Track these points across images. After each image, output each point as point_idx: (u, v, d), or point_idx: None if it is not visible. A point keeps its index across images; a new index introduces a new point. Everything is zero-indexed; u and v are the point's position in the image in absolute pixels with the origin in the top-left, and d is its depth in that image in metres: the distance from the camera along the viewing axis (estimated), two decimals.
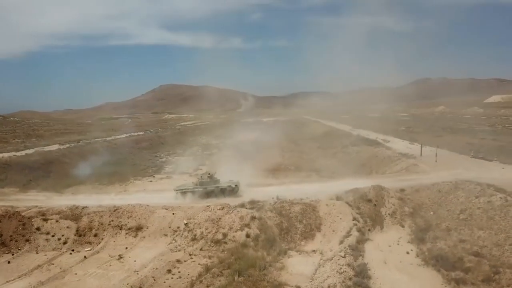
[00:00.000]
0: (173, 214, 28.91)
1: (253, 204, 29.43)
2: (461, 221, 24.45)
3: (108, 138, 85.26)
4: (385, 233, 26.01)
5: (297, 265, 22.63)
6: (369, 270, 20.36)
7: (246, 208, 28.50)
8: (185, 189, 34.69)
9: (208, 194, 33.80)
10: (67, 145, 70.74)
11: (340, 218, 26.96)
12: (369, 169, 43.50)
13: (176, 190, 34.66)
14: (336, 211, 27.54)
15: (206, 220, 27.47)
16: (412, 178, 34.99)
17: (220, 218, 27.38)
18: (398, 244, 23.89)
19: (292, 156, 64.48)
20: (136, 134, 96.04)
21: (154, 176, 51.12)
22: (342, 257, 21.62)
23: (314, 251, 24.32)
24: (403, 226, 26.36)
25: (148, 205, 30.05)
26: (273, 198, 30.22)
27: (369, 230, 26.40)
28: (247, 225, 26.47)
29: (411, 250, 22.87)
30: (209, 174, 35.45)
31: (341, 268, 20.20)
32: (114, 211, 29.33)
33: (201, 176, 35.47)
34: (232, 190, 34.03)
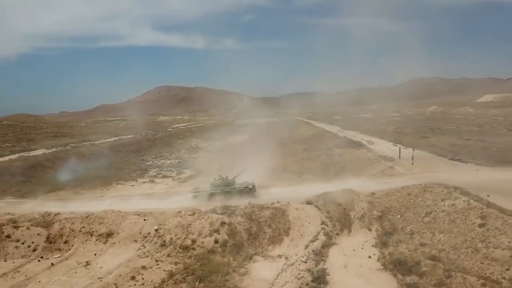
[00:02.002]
0: (144, 220, 29.03)
1: (225, 209, 29.50)
2: (425, 224, 24.70)
3: (96, 142, 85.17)
4: (352, 237, 26.22)
5: (261, 270, 22.80)
6: (328, 275, 20.55)
7: (217, 214, 28.61)
8: (202, 191, 34.52)
9: (225, 196, 33.58)
10: (54, 149, 70.70)
11: (309, 222, 27.18)
12: (349, 171, 43.65)
13: (194, 193, 34.39)
14: (305, 215, 27.76)
15: (176, 226, 27.63)
16: (386, 181, 35.18)
17: (190, 224, 27.56)
18: (362, 248, 24.12)
19: (278, 158, 64.62)
20: (125, 137, 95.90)
21: (137, 180, 51.23)
22: (303, 262, 21.84)
23: (280, 256, 24.50)
24: (370, 230, 26.60)
25: (120, 211, 30.17)
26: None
27: (337, 234, 26.61)
28: (216, 231, 26.67)
29: (374, 254, 23.09)
30: (220, 176, 35.27)
31: (299, 274, 20.42)
32: (86, 217, 29.44)
33: (216, 178, 35.07)
34: (249, 191, 33.91)
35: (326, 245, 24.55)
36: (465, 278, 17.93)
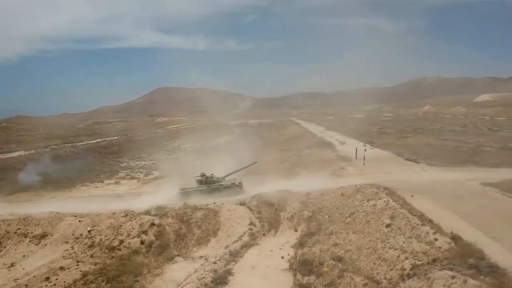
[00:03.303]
0: (79, 221, 29.37)
1: (160, 210, 29.76)
2: (345, 225, 24.77)
3: (78, 144, 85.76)
4: (278, 237, 26.37)
5: (176, 271, 23.06)
6: (232, 275, 20.73)
7: (150, 215, 28.87)
8: (189, 189, 35.16)
9: (212, 192, 34.23)
10: (32, 151, 71.34)
11: (238, 223, 27.38)
12: (308, 171, 43.67)
13: (181, 190, 35.12)
14: (236, 216, 27.97)
15: (108, 227, 27.94)
16: (335, 181, 35.23)
17: (121, 225, 27.86)
18: (280, 249, 24.26)
19: (253, 159, 64.67)
20: (109, 138, 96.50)
21: (103, 182, 51.67)
22: (213, 262, 22.05)
23: (201, 257, 24.74)
24: (296, 230, 26.72)
25: (58, 213, 30.54)
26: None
27: (263, 234, 26.81)
28: (145, 232, 26.97)
29: (288, 254, 23.25)
30: (202, 173, 35.97)
31: (202, 274, 20.63)
32: (24, 219, 29.86)
33: (202, 176, 35.82)
34: (236, 187, 34.72)
35: (246, 246, 24.73)
36: (353, 279, 18.06)
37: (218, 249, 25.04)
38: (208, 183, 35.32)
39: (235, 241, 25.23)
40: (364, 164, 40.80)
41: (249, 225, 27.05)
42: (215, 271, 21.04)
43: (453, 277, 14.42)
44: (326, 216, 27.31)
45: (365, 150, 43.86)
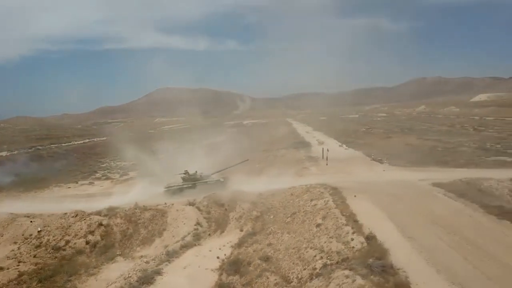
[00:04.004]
0: (31, 222, 29.56)
1: (111, 210, 29.92)
2: (284, 225, 24.84)
3: (64, 144, 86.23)
4: (222, 237, 26.47)
5: (113, 271, 23.20)
6: (160, 275, 20.85)
7: (100, 216, 29.03)
8: (174, 186, 35.65)
9: (196, 189, 34.78)
10: (15, 152, 71.81)
11: (184, 223, 27.52)
12: (275, 172, 43.71)
13: (166, 188, 35.59)
14: (183, 217, 28.11)
15: (58, 228, 28.14)
16: (295, 180, 35.26)
17: (70, 226, 28.06)
18: (220, 249, 24.34)
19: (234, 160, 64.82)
20: (97, 139, 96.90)
21: (77, 182, 51.85)
22: (145, 262, 22.20)
23: (142, 256, 24.84)
24: (242, 231, 26.80)
25: (12, 213, 30.77)
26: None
27: (209, 234, 26.93)
28: (92, 232, 27.15)
29: (224, 255, 23.33)
30: (185, 171, 36.57)
31: (129, 274, 20.76)
32: None
33: (186, 173, 36.41)
34: (221, 184, 35.24)
35: (187, 246, 24.85)
36: (268, 278, 18.14)
37: (161, 249, 25.17)
38: (192, 180, 35.88)
39: (177, 241, 25.36)
40: (327, 165, 40.86)
41: (195, 225, 27.16)
42: (145, 270, 21.15)
43: (347, 277, 14.49)
44: (272, 216, 27.39)
45: (327, 150, 43.90)
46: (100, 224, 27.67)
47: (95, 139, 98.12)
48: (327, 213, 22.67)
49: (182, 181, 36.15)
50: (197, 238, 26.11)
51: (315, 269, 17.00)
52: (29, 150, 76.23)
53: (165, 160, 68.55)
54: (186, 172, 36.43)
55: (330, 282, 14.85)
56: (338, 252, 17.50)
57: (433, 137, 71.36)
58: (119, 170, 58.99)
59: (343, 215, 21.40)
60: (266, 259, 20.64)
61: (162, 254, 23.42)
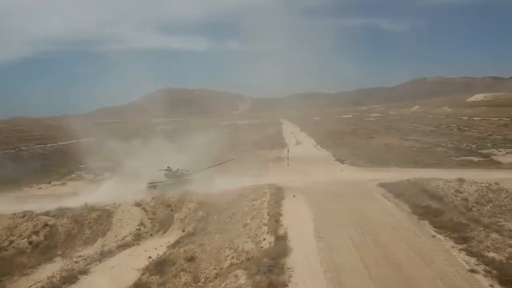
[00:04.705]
0: None
1: (60, 210, 30.10)
2: (222, 225, 24.85)
3: (48, 145, 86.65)
4: (163, 238, 26.63)
5: (47, 271, 23.25)
6: (86, 275, 21.06)
7: (48, 216, 29.20)
8: (157, 182, 36.21)
9: (179, 185, 34.97)
10: None
11: (127, 224, 27.70)
12: (244, 170, 43.79)
13: (148, 184, 36.07)
14: (128, 217, 28.28)
15: (4, 228, 28.33)
16: (254, 180, 35.26)
17: (17, 226, 28.23)
18: (155, 249, 24.46)
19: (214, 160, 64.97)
20: (83, 140, 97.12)
21: (50, 183, 52.12)
22: (74, 262, 22.37)
23: (80, 256, 24.98)
24: (184, 231, 26.92)
25: None
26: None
27: (151, 235, 27.10)
28: (36, 233, 27.32)
29: (158, 254, 23.43)
30: (168, 167, 37.38)
31: (54, 274, 20.94)
32: None
33: (169, 170, 37.29)
34: (203, 181, 35.49)
35: (124, 246, 25.08)
36: (181, 278, 18.25)
37: (101, 248, 25.30)
38: (174, 178, 36.51)
39: (116, 241, 25.50)
40: (288, 165, 40.95)
41: (138, 225, 27.33)
42: (72, 270, 21.33)
43: (235, 276, 14.59)
44: (215, 217, 27.48)
45: (288, 150, 43.99)
46: (46, 225, 27.82)
47: (80, 140, 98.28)
48: (257, 213, 22.77)
49: (165, 178, 36.65)
50: (138, 238, 26.28)
51: (221, 268, 17.11)
52: (12, 150, 76.51)
53: (147, 159, 68.97)
54: (168, 169, 37.06)
55: (223, 282, 14.94)
56: (247, 252, 17.62)
57: (414, 137, 71.49)
58: (96, 171, 59.12)
59: (268, 215, 21.50)
60: (190, 259, 20.68)
61: (96, 254, 23.62)
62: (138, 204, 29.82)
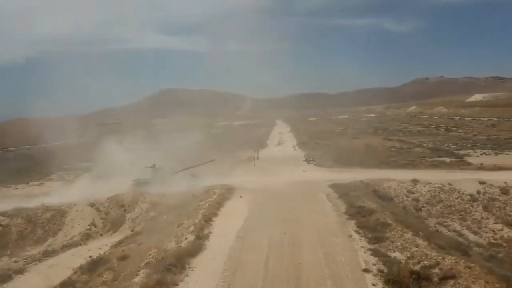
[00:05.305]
0: None
1: (17, 210, 30.42)
2: (166, 225, 25.07)
3: (38, 146, 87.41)
4: (112, 237, 26.84)
5: None
6: (22, 274, 21.30)
7: (3, 216, 29.54)
8: (142, 180, 36.61)
9: (162, 183, 35.27)
10: None
11: (79, 224, 27.99)
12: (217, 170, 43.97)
13: (134, 181, 36.50)
14: (80, 217, 28.57)
15: None
16: (221, 180, 35.41)
17: None
18: (99, 248, 24.66)
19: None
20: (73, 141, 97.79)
21: (28, 183, 52.54)
22: (13, 262, 22.69)
23: (27, 256, 25.25)
24: (133, 231, 27.12)
25: None
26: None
27: (100, 234, 27.37)
28: None
29: (99, 254, 23.61)
30: (153, 164, 38.24)
31: None
32: None
33: (154, 167, 38.14)
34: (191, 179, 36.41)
35: (70, 246, 25.47)
36: (103, 276, 18.43)
37: (45, 248, 25.57)
38: (159, 175, 37.12)
39: (64, 241, 25.76)
40: (254, 165, 41.15)
41: (88, 225, 27.61)
42: (8, 269, 21.59)
43: (137, 275, 14.80)
44: (164, 217, 27.66)
45: (257, 151, 44.24)
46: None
47: (72, 141, 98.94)
48: (196, 213, 22.95)
49: (150, 175, 37.20)
50: (87, 238, 26.55)
51: (138, 267, 17.26)
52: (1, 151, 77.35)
53: (133, 158, 69.35)
54: (153, 166, 37.81)
55: (125, 281, 15.14)
56: (166, 251, 17.77)
57: (399, 138, 71.67)
58: (78, 171, 59.55)
59: (202, 216, 21.66)
60: (122, 258, 20.81)
61: (39, 254, 23.86)
62: (92, 205, 30.05)
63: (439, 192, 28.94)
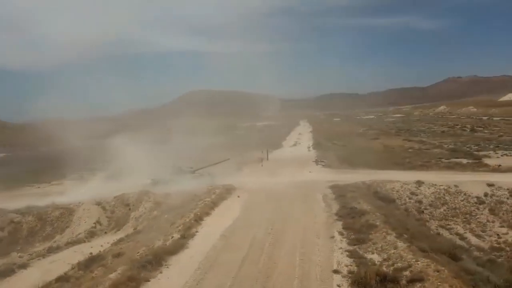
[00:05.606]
0: None
1: (29, 208, 31.79)
2: (164, 224, 25.62)
3: (66, 146, 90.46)
4: (116, 235, 27.56)
5: None
6: (24, 269, 22.34)
7: (17, 214, 30.96)
8: (160, 179, 38.00)
9: (179, 182, 36.41)
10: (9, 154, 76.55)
11: (85, 222, 29.00)
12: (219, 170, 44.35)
13: (152, 180, 37.98)
14: (87, 215, 29.57)
15: None
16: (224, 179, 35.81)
17: None
18: (101, 246, 25.48)
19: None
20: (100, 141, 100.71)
21: (49, 182, 54.65)
22: (18, 257, 23.76)
23: (34, 252, 26.43)
24: (135, 229, 27.85)
25: None
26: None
27: (105, 232, 28.24)
28: (2, 229, 29.11)
29: (100, 251, 24.43)
30: (173, 164, 40.26)
31: None
32: None
33: (173, 167, 40.20)
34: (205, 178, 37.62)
35: (74, 242, 26.36)
36: (93, 272, 19.08)
37: (50, 245, 26.65)
38: (176, 174, 38.58)
39: (69, 238, 26.76)
40: (262, 166, 41.29)
41: (94, 223, 28.53)
42: (13, 264, 22.67)
43: (115, 271, 15.29)
44: (166, 216, 28.20)
45: (262, 152, 44.33)
46: (12, 221, 29.54)
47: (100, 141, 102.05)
48: (190, 212, 23.37)
49: (168, 174, 38.48)
50: (91, 235, 27.45)
51: (125, 264, 17.78)
52: (31, 151, 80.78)
53: (153, 158, 70.92)
54: (171, 165, 39.52)
55: (103, 276, 15.68)
56: (152, 249, 18.22)
57: (420, 138, 70.09)
58: (98, 171, 61.30)
59: (194, 215, 22.05)
60: (117, 255, 21.48)
61: (43, 250, 24.89)
62: (98, 203, 31.02)
63: (444, 194, 28.22)
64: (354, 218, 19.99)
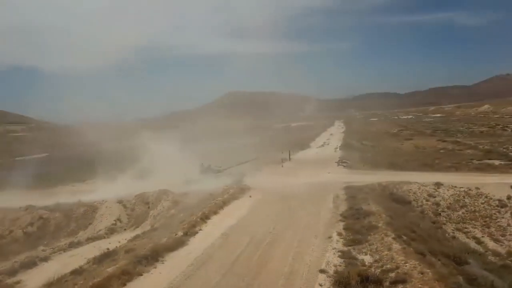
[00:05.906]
0: None
1: (57, 205, 33.70)
2: (179, 222, 26.44)
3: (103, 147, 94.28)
4: (134, 232, 28.69)
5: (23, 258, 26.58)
6: (46, 262, 23.78)
7: (46, 210, 32.92)
8: (191, 178, 40.09)
9: (210, 180, 38.66)
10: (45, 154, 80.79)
11: (107, 219, 30.41)
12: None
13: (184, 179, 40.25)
14: (108, 212, 30.98)
15: (11, 219, 32.56)
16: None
17: (19, 218, 32.34)
18: (118, 242, 26.60)
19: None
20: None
21: (84, 181, 57.44)
22: (42, 250, 25.33)
23: (57, 246, 28.05)
24: (152, 226, 28.89)
25: None
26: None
27: (124, 229, 29.53)
28: (32, 224, 31.14)
29: (116, 246, 25.53)
30: (202, 164, 42.82)
31: (17, 260, 23.97)
32: None
33: (202, 166, 42.79)
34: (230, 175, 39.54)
35: (95, 238, 27.77)
36: (103, 267, 20.05)
37: (71, 240, 28.16)
38: (206, 172, 41.09)
39: (91, 234, 28.17)
40: (282, 166, 41.34)
41: (114, 220, 29.87)
42: (36, 257, 24.20)
43: (114, 265, 16.03)
44: (181, 215, 29.00)
45: (282, 153, 44.23)
46: (41, 217, 31.47)
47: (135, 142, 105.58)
48: (199, 211, 23.96)
49: (198, 173, 40.90)
50: (111, 232, 28.75)
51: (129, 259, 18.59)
52: (70, 152, 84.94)
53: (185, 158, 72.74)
54: (201, 165, 42.06)
55: (106, 269, 16.48)
56: (157, 245, 18.91)
57: (455, 139, 67.56)
58: (132, 170, 63.64)
59: (202, 213, 22.60)
60: (128, 251, 22.42)
61: (65, 245, 26.34)
62: (120, 202, 32.35)
63: (463, 197, 27.23)
64: (358, 219, 19.79)
